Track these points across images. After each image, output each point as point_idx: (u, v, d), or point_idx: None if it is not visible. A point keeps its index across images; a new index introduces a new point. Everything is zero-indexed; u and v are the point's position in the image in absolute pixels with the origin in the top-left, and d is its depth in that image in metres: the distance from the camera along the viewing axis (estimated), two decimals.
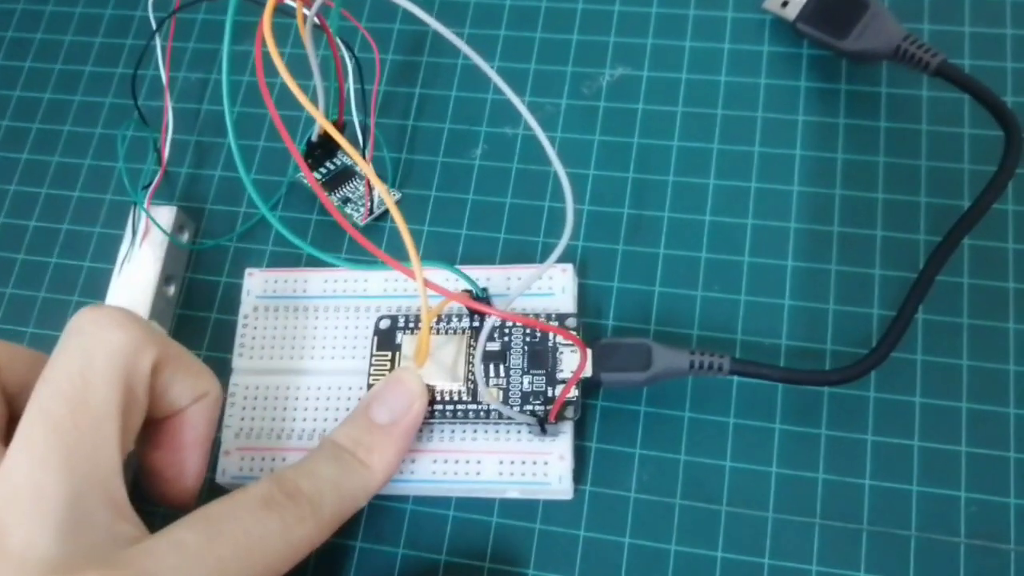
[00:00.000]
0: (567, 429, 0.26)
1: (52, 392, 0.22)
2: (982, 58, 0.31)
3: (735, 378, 0.27)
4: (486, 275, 0.28)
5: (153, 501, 0.27)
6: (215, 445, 0.28)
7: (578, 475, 0.27)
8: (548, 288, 0.28)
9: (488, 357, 0.27)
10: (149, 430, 0.25)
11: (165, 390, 0.24)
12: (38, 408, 0.22)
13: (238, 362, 0.29)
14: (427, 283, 0.23)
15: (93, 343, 0.23)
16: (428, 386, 0.26)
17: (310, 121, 0.32)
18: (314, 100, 0.28)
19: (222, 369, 0.29)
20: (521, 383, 0.26)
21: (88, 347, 0.23)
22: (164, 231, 0.30)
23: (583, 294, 0.29)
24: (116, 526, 0.21)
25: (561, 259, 0.24)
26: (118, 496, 0.22)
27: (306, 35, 0.26)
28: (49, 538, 0.20)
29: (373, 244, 0.23)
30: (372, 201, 0.30)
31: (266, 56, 0.22)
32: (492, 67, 0.23)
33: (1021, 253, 0.28)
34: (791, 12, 0.31)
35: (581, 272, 0.29)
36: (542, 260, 0.29)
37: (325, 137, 0.31)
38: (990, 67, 0.30)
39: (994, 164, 0.27)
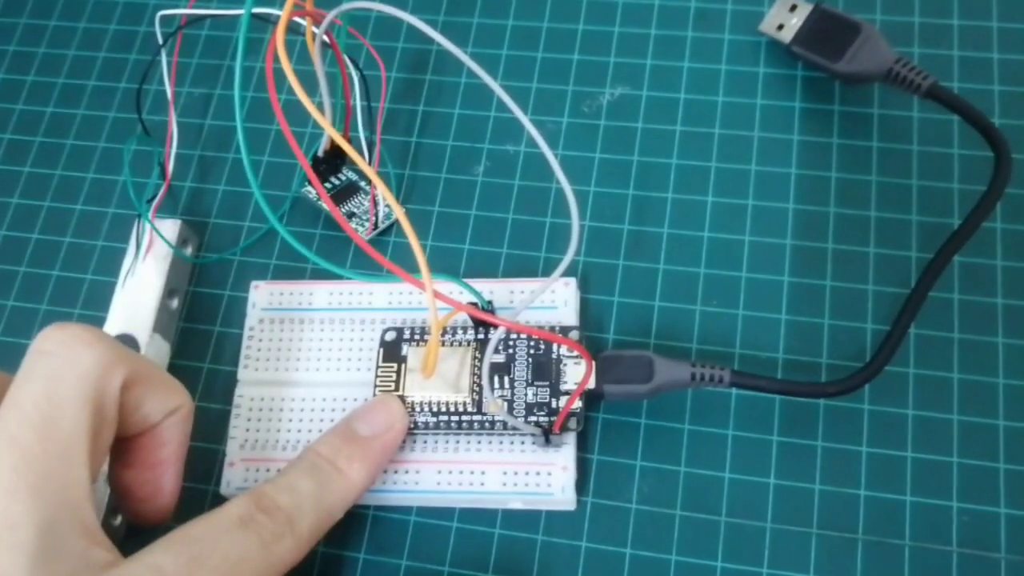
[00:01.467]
0: (570, 440, 0.27)
1: (19, 418, 0.21)
2: (971, 81, 0.31)
3: (733, 391, 0.28)
4: (489, 288, 0.29)
5: (127, 520, 0.26)
6: (219, 456, 0.28)
7: (580, 486, 0.27)
8: (551, 301, 0.28)
9: (493, 369, 0.27)
10: (120, 448, 0.25)
11: (136, 408, 0.24)
12: (5, 435, 0.21)
13: (243, 374, 0.29)
14: (436, 294, 0.23)
15: (61, 365, 0.22)
16: (431, 399, 0.26)
17: (313, 139, 0.33)
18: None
19: (227, 381, 0.29)
20: (525, 394, 0.27)
21: (55, 370, 0.22)
22: (169, 244, 0.30)
23: (585, 308, 0.29)
24: (89, 552, 0.21)
25: (563, 273, 0.25)
26: (89, 521, 0.21)
27: (315, 52, 0.27)
28: (22, 569, 0.20)
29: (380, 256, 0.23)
30: (377, 216, 0.31)
31: (273, 71, 0.23)
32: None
33: (1009, 270, 0.29)
34: (786, 35, 0.32)
35: (582, 286, 0.30)
36: (544, 274, 0.30)
37: (330, 153, 0.31)
38: (979, 90, 0.31)
39: (983, 184, 0.28)
